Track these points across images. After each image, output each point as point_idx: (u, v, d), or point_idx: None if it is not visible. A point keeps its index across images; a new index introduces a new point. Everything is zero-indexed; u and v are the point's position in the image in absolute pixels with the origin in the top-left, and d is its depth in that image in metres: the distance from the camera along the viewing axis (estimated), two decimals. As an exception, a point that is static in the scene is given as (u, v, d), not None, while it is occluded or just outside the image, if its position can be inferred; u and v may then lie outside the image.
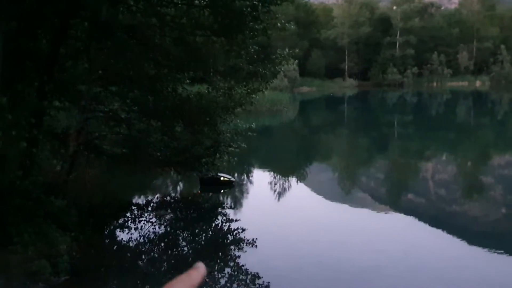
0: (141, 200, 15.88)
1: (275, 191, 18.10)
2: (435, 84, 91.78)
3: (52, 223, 9.37)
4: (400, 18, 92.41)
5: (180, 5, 11.68)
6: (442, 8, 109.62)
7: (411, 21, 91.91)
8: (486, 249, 11.67)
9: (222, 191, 16.79)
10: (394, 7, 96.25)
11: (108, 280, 9.65)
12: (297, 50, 15.42)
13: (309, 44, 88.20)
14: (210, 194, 16.67)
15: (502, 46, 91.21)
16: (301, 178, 21.03)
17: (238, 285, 9.59)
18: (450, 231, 12.91)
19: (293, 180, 20.46)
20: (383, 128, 39.49)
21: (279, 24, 11.34)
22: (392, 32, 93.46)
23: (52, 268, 8.26)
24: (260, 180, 20.00)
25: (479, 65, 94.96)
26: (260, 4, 10.29)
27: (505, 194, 17.99)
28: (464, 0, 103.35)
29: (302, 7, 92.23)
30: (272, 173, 21.34)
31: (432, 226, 13.48)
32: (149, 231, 12.42)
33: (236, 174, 19.64)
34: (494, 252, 11.42)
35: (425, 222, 13.96)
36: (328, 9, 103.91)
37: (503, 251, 11.38)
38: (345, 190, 19.34)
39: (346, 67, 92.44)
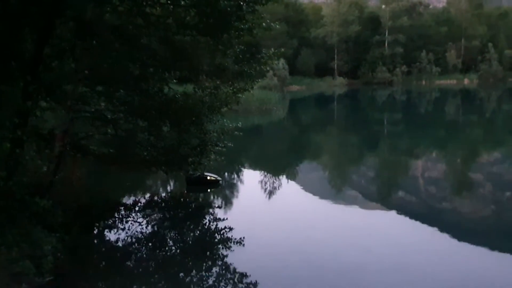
0: (128, 200, 15.83)
1: (263, 190, 18.10)
2: (424, 82, 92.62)
3: (37, 224, 9.32)
4: (389, 17, 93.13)
5: (165, 5, 11.65)
6: (430, 6, 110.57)
7: (400, 20, 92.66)
8: (474, 246, 11.76)
9: (209, 190, 16.80)
10: (383, 6, 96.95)
11: (93, 280, 9.61)
12: (282, 49, 15.34)
13: (299, 43, 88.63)
14: (197, 193, 16.67)
15: (490, 44, 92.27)
16: (290, 176, 21.06)
17: (226, 284, 9.60)
18: (439, 228, 12.97)
19: (282, 178, 20.49)
20: (373, 126, 39.68)
21: (264, 24, 11.37)
22: (381, 30, 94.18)
23: (36, 269, 8.23)
24: (248, 179, 20.02)
25: (467, 63, 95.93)
26: (244, 4, 10.31)
27: (494, 191, 18.16)
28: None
29: (291, 6, 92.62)
30: (260, 172, 21.38)
31: (421, 223, 13.56)
32: (136, 231, 12.40)
33: (225, 174, 19.67)
34: (483, 249, 11.49)
35: (414, 219, 14.03)
36: (317, 7, 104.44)
37: (491, 248, 11.46)
38: (334, 188, 19.38)
39: (336, 65, 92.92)
